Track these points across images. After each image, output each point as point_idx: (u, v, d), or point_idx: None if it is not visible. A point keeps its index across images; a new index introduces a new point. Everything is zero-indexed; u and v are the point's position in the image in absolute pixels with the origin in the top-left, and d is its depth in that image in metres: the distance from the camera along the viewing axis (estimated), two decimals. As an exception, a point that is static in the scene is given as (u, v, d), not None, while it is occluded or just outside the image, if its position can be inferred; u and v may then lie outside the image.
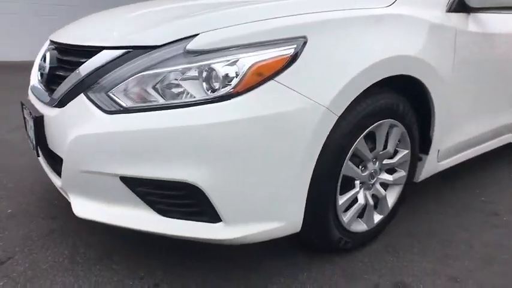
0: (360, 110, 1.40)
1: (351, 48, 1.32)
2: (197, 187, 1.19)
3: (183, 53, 1.23)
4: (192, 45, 1.23)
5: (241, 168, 1.20)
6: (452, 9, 1.74)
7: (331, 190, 1.42)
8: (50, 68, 1.54)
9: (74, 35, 1.56)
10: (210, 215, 1.24)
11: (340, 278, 1.50)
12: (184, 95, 1.22)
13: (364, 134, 1.44)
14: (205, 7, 1.46)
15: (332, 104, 1.27)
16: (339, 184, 1.44)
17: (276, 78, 1.21)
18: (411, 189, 2.09)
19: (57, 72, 1.51)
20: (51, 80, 1.54)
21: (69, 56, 1.49)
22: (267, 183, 1.24)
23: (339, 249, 1.60)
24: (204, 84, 1.21)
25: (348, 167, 1.45)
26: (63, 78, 1.43)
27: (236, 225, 1.26)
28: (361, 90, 1.34)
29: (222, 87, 1.19)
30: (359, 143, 1.44)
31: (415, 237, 1.78)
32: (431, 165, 1.89)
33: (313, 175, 1.32)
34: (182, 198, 1.24)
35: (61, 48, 1.57)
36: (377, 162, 1.60)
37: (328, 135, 1.31)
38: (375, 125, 1.47)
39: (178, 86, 1.23)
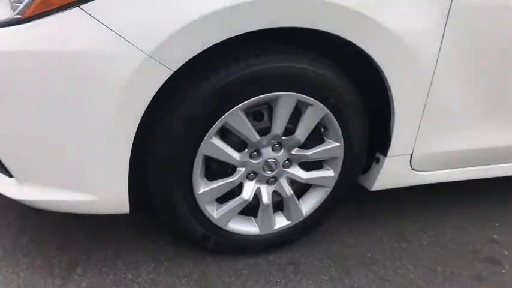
0: (233, 71, 1.00)
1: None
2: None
3: None
4: None
5: (26, 116, 0.94)
6: None
7: (178, 171, 1.07)
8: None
9: None
10: (3, 166, 1.03)
11: (187, 282, 1.17)
12: None
13: (242, 105, 1.04)
14: None
15: (159, 53, 0.90)
16: (198, 166, 1.08)
17: (84, 6, 0.89)
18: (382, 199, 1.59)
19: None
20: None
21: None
22: (62, 143, 0.96)
23: (211, 249, 1.25)
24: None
25: (212, 146, 1.07)
26: None
27: (29, 186, 1.02)
28: (220, 40, 0.93)
29: (12, 8, 0.93)
30: (233, 117, 1.05)
31: (344, 261, 1.33)
32: (398, 172, 1.35)
33: (138, 145, 0.99)
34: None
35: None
36: (281, 150, 1.18)
37: (164, 95, 0.96)
38: (262, 96, 1.05)
39: None
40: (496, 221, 1.63)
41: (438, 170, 1.42)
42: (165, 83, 0.99)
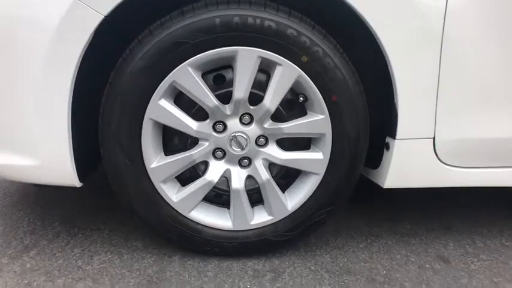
0: (177, 21, 0.89)
1: None
2: None
3: None
4: None
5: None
6: None
7: (123, 136, 0.95)
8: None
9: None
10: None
11: (138, 276, 0.99)
12: None
13: (192, 60, 0.90)
14: None
15: (87, -6, 0.85)
16: (148, 133, 0.95)
17: None
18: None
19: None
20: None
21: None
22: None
23: (174, 242, 1.07)
24: None
25: (161, 110, 0.94)
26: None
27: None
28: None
29: None
30: (182, 75, 0.92)
31: (346, 276, 1.02)
32: (418, 164, 1.05)
33: (76, 106, 0.92)
34: None
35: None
36: (252, 123, 0.99)
37: (97, 45, 0.89)
38: (216, 51, 0.91)
39: None
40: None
41: (483, 167, 1.07)
42: (114, 38, 0.94)
